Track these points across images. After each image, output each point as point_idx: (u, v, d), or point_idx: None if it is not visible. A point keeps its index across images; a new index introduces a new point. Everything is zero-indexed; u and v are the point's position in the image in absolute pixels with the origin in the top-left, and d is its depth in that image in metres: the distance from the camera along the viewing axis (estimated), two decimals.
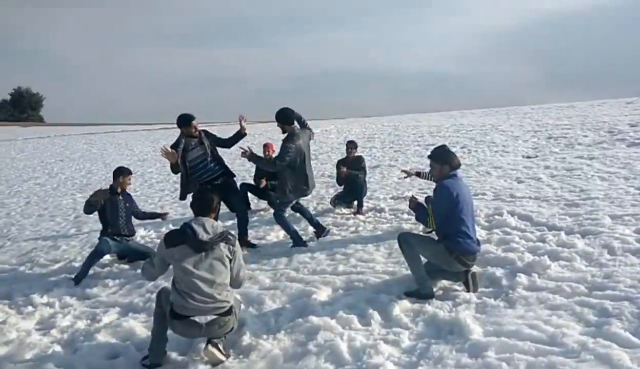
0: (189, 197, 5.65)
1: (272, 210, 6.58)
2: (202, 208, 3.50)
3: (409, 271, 4.18)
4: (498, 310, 3.56)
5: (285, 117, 5.58)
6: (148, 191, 11.19)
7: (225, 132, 6.21)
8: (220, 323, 3.31)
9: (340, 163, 7.53)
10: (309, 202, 7.81)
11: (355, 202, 7.27)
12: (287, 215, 5.78)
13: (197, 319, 3.26)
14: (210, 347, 3.26)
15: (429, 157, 4.30)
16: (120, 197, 5.81)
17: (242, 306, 3.97)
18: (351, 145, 7.57)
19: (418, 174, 6.38)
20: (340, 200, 7.46)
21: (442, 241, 4.03)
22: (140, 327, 3.94)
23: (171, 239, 3.36)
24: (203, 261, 3.30)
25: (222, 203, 5.91)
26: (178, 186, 8.97)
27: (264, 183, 7.66)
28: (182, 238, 3.31)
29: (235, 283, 3.50)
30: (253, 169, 8.49)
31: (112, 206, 5.72)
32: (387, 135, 18.98)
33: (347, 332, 3.44)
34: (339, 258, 5.09)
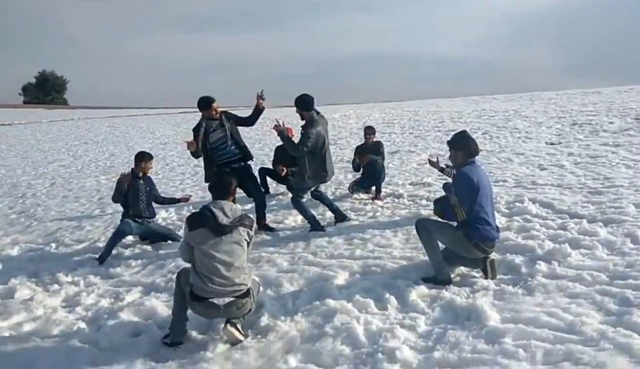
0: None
1: (290, 195, 6.61)
2: (220, 191, 3.55)
3: (426, 257, 4.18)
4: (516, 297, 3.55)
5: (304, 103, 5.58)
6: (169, 174, 11.34)
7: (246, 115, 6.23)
8: (237, 305, 3.37)
9: (358, 149, 7.50)
10: (327, 188, 7.82)
11: (374, 188, 7.26)
12: (304, 200, 5.81)
13: (215, 301, 3.32)
14: (229, 327, 3.33)
15: (447, 143, 4.27)
16: (142, 181, 5.91)
17: (261, 288, 4.04)
18: (369, 130, 7.52)
19: (442, 170, 6.30)
20: (358, 186, 7.45)
21: (461, 227, 4.01)
22: (161, 306, 4.04)
23: (193, 222, 3.41)
24: (222, 245, 3.35)
25: (238, 188, 5.99)
26: (198, 169, 9.05)
27: (284, 171, 7.67)
28: (203, 221, 3.36)
29: None
30: (272, 154, 8.52)
31: (133, 189, 5.82)
32: (407, 120, 18.80)
33: (364, 316, 3.47)
34: (356, 242, 5.11)
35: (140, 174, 5.92)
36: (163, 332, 3.55)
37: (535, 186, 6.84)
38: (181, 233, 5.57)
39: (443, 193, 4.33)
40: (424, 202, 6.60)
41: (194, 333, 3.54)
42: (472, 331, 3.12)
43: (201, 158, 5.87)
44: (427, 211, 6.11)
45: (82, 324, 3.83)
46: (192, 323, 3.58)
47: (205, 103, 5.74)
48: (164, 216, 7.06)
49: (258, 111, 5.96)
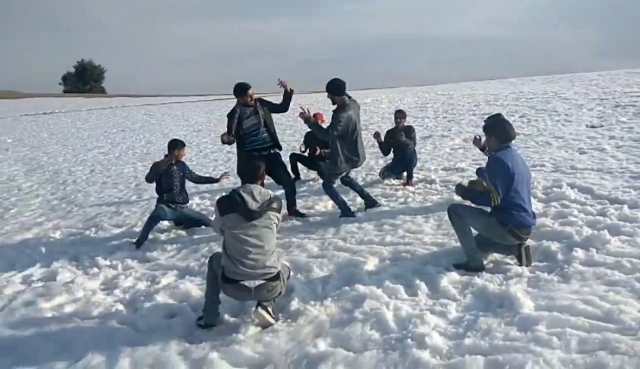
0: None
1: (321, 180, 6.62)
2: (249, 175, 3.59)
3: (458, 244, 4.12)
4: (551, 285, 3.46)
5: (336, 88, 5.56)
6: (202, 160, 11.52)
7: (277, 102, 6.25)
8: (268, 288, 3.42)
9: (389, 134, 7.42)
10: (357, 173, 7.79)
11: (405, 173, 7.18)
12: (335, 185, 5.81)
13: (246, 283, 3.38)
14: (260, 309, 3.38)
15: (482, 127, 4.17)
16: (175, 167, 6.02)
17: (291, 272, 4.08)
18: (400, 114, 7.40)
19: (483, 149, 6.14)
20: (389, 171, 7.38)
21: (495, 213, 3.92)
22: (195, 289, 4.14)
23: (223, 206, 3.46)
24: (253, 229, 3.40)
25: (267, 176, 6.04)
26: (231, 155, 9.15)
27: (318, 150, 7.66)
28: (233, 206, 3.41)
29: None
30: (302, 140, 8.53)
31: (167, 175, 5.95)
32: (441, 104, 18.45)
33: (393, 301, 3.47)
34: (386, 228, 5.08)
35: (174, 161, 6.04)
36: (197, 314, 3.64)
37: (574, 171, 6.62)
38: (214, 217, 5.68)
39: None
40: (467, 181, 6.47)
41: (226, 316, 3.61)
42: (505, 318, 3.06)
43: (234, 146, 5.94)
44: (460, 197, 6.01)
45: (120, 306, 3.97)
46: (225, 305, 3.65)
47: (240, 90, 5.79)
48: (197, 202, 7.20)
49: (288, 95, 5.96)
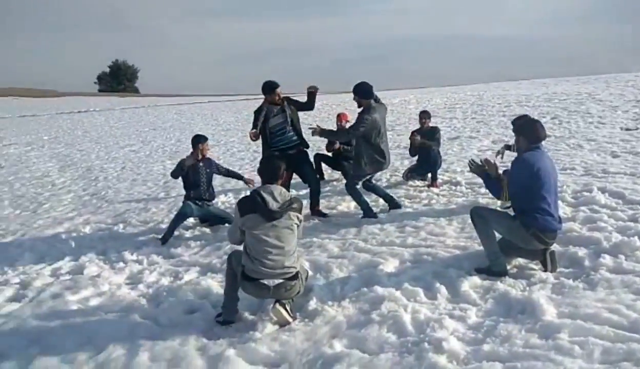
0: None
1: (344, 181, 6.60)
2: (269, 175, 3.59)
3: (481, 247, 4.04)
4: (576, 292, 3.36)
5: (363, 91, 5.59)
6: (230, 159, 11.66)
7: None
8: (287, 287, 3.44)
9: (414, 134, 7.33)
10: (381, 174, 7.74)
11: (430, 175, 7.10)
12: (358, 186, 5.80)
13: (265, 282, 3.40)
14: (278, 306, 3.40)
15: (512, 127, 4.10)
16: (201, 164, 6.10)
17: (310, 272, 4.09)
18: (424, 115, 7.32)
19: (508, 147, 6.02)
20: (413, 173, 7.31)
21: (519, 217, 3.83)
22: (216, 286, 4.18)
23: (244, 207, 3.48)
24: (273, 230, 3.42)
25: (294, 174, 6.07)
26: (257, 155, 9.23)
27: (337, 145, 7.67)
28: (253, 207, 3.42)
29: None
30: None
31: (194, 172, 6.03)
32: (470, 105, 18.18)
33: (412, 304, 3.43)
34: (408, 230, 5.03)
35: (200, 156, 6.11)
36: (216, 311, 3.68)
37: (606, 175, 6.43)
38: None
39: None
40: (482, 190, 6.37)
41: (245, 314, 3.64)
42: (526, 325, 2.99)
43: (260, 145, 5.99)
44: (486, 200, 5.91)
45: (143, 301, 4.05)
46: (244, 303, 3.69)
47: (269, 88, 5.83)
48: (223, 200, 7.29)
49: (312, 95, 5.98)
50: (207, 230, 6.00)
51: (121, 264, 5.03)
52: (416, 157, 7.45)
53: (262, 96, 5.96)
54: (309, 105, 6.05)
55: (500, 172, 4.23)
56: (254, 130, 5.74)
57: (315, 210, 6.09)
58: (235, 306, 3.59)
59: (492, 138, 10.89)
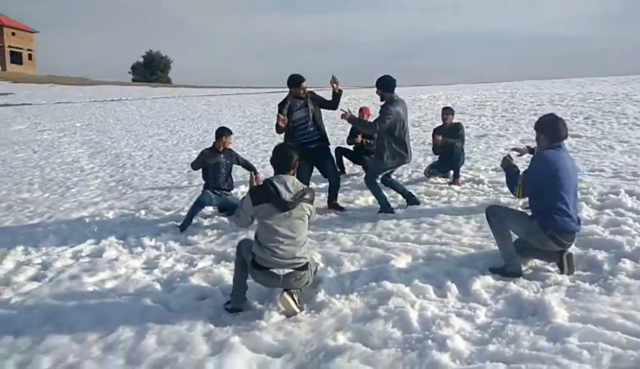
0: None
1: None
2: (282, 165, 3.58)
3: (497, 247, 3.95)
4: (591, 296, 3.26)
5: (386, 84, 5.57)
6: (253, 151, 11.75)
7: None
8: (296, 276, 3.46)
9: (436, 131, 7.23)
10: (404, 169, 7.67)
11: (452, 172, 6.99)
12: (378, 181, 5.75)
13: (275, 271, 3.43)
14: (286, 295, 3.42)
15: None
16: (222, 155, 6.17)
17: (321, 265, 4.09)
18: (447, 111, 7.20)
19: (531, 151, 5.87)
20: (435, 169, 7.22)
21: (536, 217, 3.73)
22: (228, 274, 4.22)
23: (257, 196, 3.49)
24: (285, 220, 3.43)
25: (315, 168, 6.06)
26: None
27: (359, 138, 7.64)
28: (267, 196, 3.43)
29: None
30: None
31: (214, 162, 6.11)
32: (501, 102, 17.79)
33: (420, 301, 3.39)
34: (424, 227, 4.97)
35: (221, 148, 6.18)
36: (226, 298, 3.71)
37: (636, 178, 6.21)
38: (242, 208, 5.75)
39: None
40: (505, 189, 6.23)
41: (254, 302, 3.66)
42: (535, 327, 2.91)
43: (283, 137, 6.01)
44: (508, 199, 5.78)
45: (157, 286, 4.13)
46: (254, 292, 3.71)
47: (294, 82, 5.84)
48: (243, 190, 7.34)
49: (336, 95, 5.98)
50: (225, 219, 6.06)
51: (139, 249, 5.12)
52: (438, 155, 7.35)
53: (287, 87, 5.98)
54: (332, 105, 6.05)
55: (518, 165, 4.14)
56: (283, 117, 5.71)
57: (332, 204, 6.08)
58: (244, 295, 3.62)
59: (520, 137, 10.66)
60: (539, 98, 18.18)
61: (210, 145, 6.35)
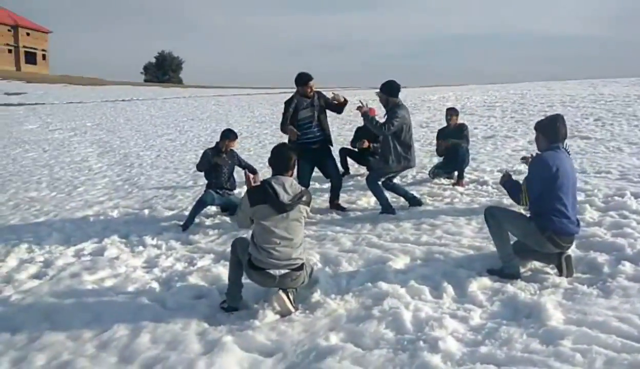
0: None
1: None
2: (280, 166, 3.58)
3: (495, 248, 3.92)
4: (588, 298, 3.22)
5: (392, 89, 5.61)
6: (260, 151, 11.78)
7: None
8: (292, 277, 3.46)
9: (440, 132, 7.19)
10: (408, 170, 7.62)
11: (456, 173, 6.94)
12: (380, 182, 5.74)
13: (271, 271, 3.43)
14: (281, 293, 3.42)
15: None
16: (225, 155, 6.19)
17: (319, 265, 4.09)
18: (451, 112, 7.15)
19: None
20: (440, 170, 7.17)
21: (534, 218, 3.69)
22: (226, 273, 4.17)
23: (254, 197, 3.49)
24: (283, 222, 3.43)
25: (318, 169, 6.06)
26: None
27: (366, 143, 7.61)
28: (264, 197, 3.43)
29: None
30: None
31: (216, 165, 6.13)
32: (511, 103, 17.65)
33: (415, 302, 3.36)
34: (424, 228, 4.94)
35: (224, 149, 6.20)
36: (222, 297, 3.72)
37: None
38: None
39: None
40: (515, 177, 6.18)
41: (250, 302, 3.67)
42: (529, 329, 2.88)
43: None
44: (510, 201, 5.71)
45: (155, 284, 4.14)
46: (250, 292, 3.72)
47: (302, 80, 5.84)
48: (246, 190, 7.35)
49: (342, 104, 6.01)
50: (227, 219, 6.08)
51: (140, 248, 5.15)
52: (442, 157, 7.30)
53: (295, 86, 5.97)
54: (337, 110, 6.09)
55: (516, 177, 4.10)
56: (296, 132, 5.73)
57: (334, 204, 6.07)
58: (239, 293, 3.62)
59: (528, 139, 10.54)
60: (550, 99, 18.00)
61: (213, 145, 6.37)
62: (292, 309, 3.44)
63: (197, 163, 6.32)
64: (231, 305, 3.59)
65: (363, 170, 8.12)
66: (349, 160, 8.08)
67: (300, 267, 3.52)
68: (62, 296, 3.89)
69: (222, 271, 4.31)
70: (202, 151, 12.38)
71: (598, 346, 2.61)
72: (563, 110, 14.40)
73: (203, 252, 4.95)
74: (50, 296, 3.93)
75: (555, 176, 3.56)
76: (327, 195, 6.30)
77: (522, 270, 3.78)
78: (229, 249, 4.85)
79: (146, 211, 6.72)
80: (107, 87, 51.96)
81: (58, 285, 4.17)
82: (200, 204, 5.96)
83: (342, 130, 13.63)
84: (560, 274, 3.67)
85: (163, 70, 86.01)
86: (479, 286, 3.57)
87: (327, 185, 6.51)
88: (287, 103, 5.89)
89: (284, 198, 3.41)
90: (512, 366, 2.52)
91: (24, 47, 72.97)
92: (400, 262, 4.11)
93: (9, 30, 70.96)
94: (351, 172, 8.11)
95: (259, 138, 14.16)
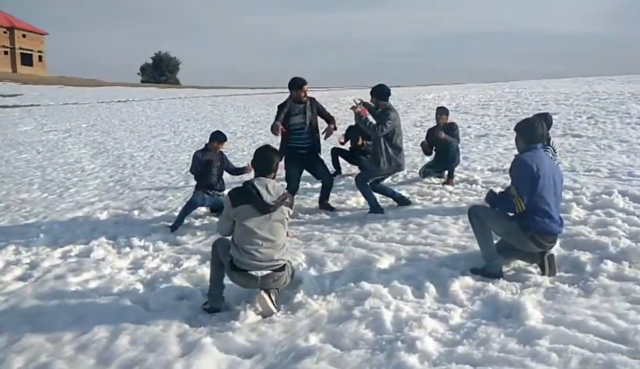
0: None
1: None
2: (263, 167, 3.58)
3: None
4: (568, 298, 3.22)
5: (382, 93, 5.66)
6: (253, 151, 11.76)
7: (337, 95, 6.26)
8: (274, 278, 3.47)
9: (430, 132, 7.19)
10: None
11: (447, 172, 6.94)
12: (368, 182, 5.73)
13: (253, 273, 3.43)
14: (263, 293, 3.42)
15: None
16: (214, 157, 6.18)
17: (304, 265, 4.10)
18: (441, 111, 7.14)
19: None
20: (430, 169, 7.17)
21: (517, 218, 3.69)
22: None
23: (237, 198, 3.48)
24: (265, 223, 3.42)
25: (307, 171, 6.06)
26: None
27: (360, 140, 7.61)
28: (247, 198, 3.42)
29: None
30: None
31: (206, 163, 6.12)
32: (506, 102, 17.65)
33: (396, 302, 3.36)
34: (411, 227, 4.94)
35: (212, 150, 6.19)
36: (205, 299, 3.71)
37: (631, 178, 6.13)
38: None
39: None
40: (498, 190, 6.16)
41: (232, 303, 3.66)
42: (508, 329, 2.88)
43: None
44: None
45: (139, 286, 4.13)
46: (233, 293, 3.71)
47: (295, 84, 5.84)
48: None
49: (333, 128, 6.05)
50: (216, 220, 6.05)
51: (127, 249, 5.14)
52: (433, 154, 7.30)
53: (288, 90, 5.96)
54: (328, 121, 6.10)
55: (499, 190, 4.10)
56: (283, 129, 5.73)
57: (324, 204, 6.07)
58: (221, 294, 3.62)
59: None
60: (544, 97, 18.01)
61: (202, 146, 6.37)
62: (274, 310, 3.44)
63: (190, 167, 6.30)
64: (213, 306, 3.58)
65: (355, 169, 8.10)
66: (341, 160, 8.07)
67: (283, 268, 3.52)
68: (45, 298, 3.88)
69: (207, 272, 4.22)
70: (194, 151, 12.41)
71: (574, 345, 2.61)
72: (557, 109, 14.42)
73: (190, 253, 4.93)
74: (34, 298, 3.91)
75: (536, 176, 3.56)
76: (317, 195, 6.29)
77: (505, 269, 3.79)
78: None
79: (136, 212, 6.70)
80: (103, 88, 51.89)
81: (42, 286, 4.16)
82: (190, 205, 5.95)
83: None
84: (543, 273, 3.67)
85: (160, 71, 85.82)
86: (461, 285, 3.57)
87: (318, 185, 6.49)
88: (280, 108, 5.91)
89: (267, 199, 3.41)
90: (488, 366, 2.51)
91: (20, 48, 72.84)
92: (385, 262, 4.11)
93: (4, 32, 70.85)
94: (343, 171, 8.10)
95: (254, 139, 14.13)
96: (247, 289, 3.65)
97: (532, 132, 3.69)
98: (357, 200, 6.24)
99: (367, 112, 6.61)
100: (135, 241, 5.37)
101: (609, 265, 3.57)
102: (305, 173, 6.10)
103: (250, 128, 16.80)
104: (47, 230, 6.02)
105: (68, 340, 3.20)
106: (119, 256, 4.94)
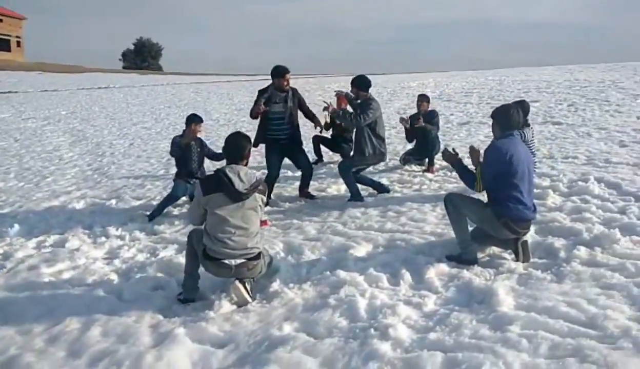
0: (261, 146, 5.91)
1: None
2: (235, 155, 3.53)
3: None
4: (541, 284, 3.25)
5: (363, 84, 5.63)
6: None
7: (322, 82, 6.20)
8: (248, 266, 3.44)
9: (411, 118, 7.18)
10: None
11: (427, 159, 6.96)
12: (351, 171, 5.72)
13: (227, 261, 3.40)
14: (238, 283, 3.40)
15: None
16: (194, 143, 6.09)
17: (282, 254, 4.07)
18: (422, 98, 7.15)
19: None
20: (410, 156, 7.19)
21: (491, 205, 3.72)
22: None
23: (208, 186, 3.44)
24: (238, 210, 3.39)
25: (289, 159, 6.02)
26: None
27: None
28: (219, 186, 3.38)
29: None
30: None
31: (186, 150, 6.03)
32: (488, 89, 17.74)
33: (371, 290, 3.37)
34: (390, 215, 4.95)
35: (191, 134, 6.09)
36: (180, 289, 3.67)
37: (607, 165, 6.21)
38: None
39: None
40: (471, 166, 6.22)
41: (208, 292, 3.63)
42: (479, 315, 2.90)
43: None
44: None
45: (114, 276, 4.07)
46: (207, 283, 3.67)
47: (278, 72, 5.76)
48: None
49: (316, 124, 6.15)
50: None
51: (103, 239, 5.05)
52: (414, 141, 7.31)
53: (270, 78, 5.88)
54: (308, 116, 6.14)
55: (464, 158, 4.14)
56: (264, 108, 5.65)
57: (304, 192, 6.05)
58: (196, 284, 3.58)
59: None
60: (526, 85, 18.13)
61: (181, 133, 6.27)
62: (249, 300, 3.42)
63: (170, 151, 6.20)
64: (187, 297, 3.55)
65: (337, 157, 8.08)
66: (323, 148, 8.04)
67: (257, 256, 3.49)
68: (16, 290, 3.81)
69: (183, 261, 4.24)
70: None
71: (545, 331, 2.64)
72: (538, 96, 14.55)
73: (167, 242, 4.88)
74: (5, 289, 3.83)
75: (509, 163, 3.58)
76: (297, 183, 6.26)
77: (480, 255, 3.82)
78: None
79: (113, 201, 6.61)
80: (83, 74, 50.86)
81: (15, 277, 4.08)
82: (170, 199, 5.84)
83: (318, 117, 13.55)
84: (517, 259, 3.71)
85: (142, 57, 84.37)
86: (436, 272, 3.59)
87: (299, 174, 6.46)
88: (260, 93, 5.83)
89: (239, 186, 3.37)
90: (459, 353, 2.53)
91: None
92: (362, 250, 4.11)
93: None
94: (325, 159, 8.07)
95: (236, 126, 13.97)
96: (222, 278, 3.63)
97: (508, 118, 3.71)
98: (338, 188, 6.23)
99: (345, 101, 6.59)
100: (112, 230, 5.28)
101: (582, 251, 3.62)
102: (285, 161, 6.06)
103: (233, 115, 16.66)
104: (22, 220, 5.89)
105: (38, 332, 3.14)
106: (94, 246, 4.86)
